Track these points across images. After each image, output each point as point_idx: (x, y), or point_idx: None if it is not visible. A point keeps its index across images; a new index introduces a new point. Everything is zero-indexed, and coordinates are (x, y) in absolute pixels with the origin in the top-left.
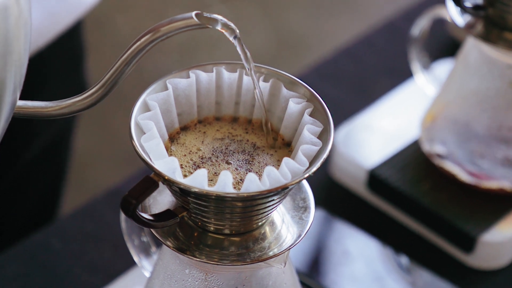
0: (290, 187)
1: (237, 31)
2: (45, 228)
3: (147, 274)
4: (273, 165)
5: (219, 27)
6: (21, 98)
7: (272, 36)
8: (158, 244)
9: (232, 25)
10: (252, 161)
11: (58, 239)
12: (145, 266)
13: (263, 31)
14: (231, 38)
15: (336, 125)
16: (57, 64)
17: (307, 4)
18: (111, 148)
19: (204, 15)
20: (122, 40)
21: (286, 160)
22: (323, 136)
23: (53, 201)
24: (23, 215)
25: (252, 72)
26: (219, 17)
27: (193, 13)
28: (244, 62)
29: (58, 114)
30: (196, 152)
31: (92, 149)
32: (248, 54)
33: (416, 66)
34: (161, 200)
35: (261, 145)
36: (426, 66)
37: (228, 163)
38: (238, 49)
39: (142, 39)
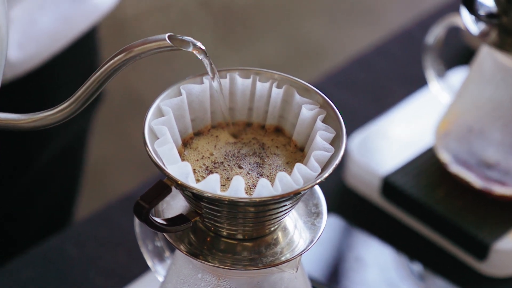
0: (302, 192)
1: (207, 53)
2: (60, 233)
3: (161, 279)
4: (284, 168)
5: (190, 49)
6: (35, 103)
7: (290, 44)
8: (172, 249)
9: (203, 47)
10: (262, 164)
11: (73, 244)
12: (158, 271)
13: (281, 38)
14: (200, 58)
15: (351, 132)
16: (72, 69)
17: (325, 13)
18: (128, 154)
19: (177, 37)
20: None
21: (298, 165)
22: (335, 142)
23: (68, 206)
24: (38, 219)
25: (217, 83)
26: (191, 39)
27: (166, 35)
28: (210, 78)
29: (30, 127)
30: (209, 157)
31: (108, 155)
32: (217, 74)
33: (430, 74)
34: (174, 205)
35: (270, 144)
36: (440, 74)
37: (240, 167)
38: (208, 69)
39: (115, 59)
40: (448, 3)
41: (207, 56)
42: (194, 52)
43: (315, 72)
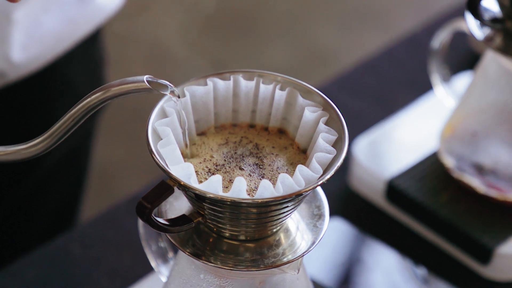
0: (304, 194)
1: (181, 98)
2: (65, 234)
3: (164, 279)
4: (287, 169)
5: (167, 92)
6: (39, 104)
7: (300, 49)
8: (175, 250)
9: (177, 92)
10: (262, 165)
11: (78, 245)
12: (162, 271)
13: (291, 43)
14: (176, 102)
15: (356, 135)
16: (76, 71)
17: (335, 18)
18: (136, 157)
19: (155, 80)
20: (144, 50)
21: (300, 167)
22: (337, 144)
23: (73, 207)
24: (44, 220)
25: (186, 134)
26: (168, 83)
27: (145, 77)
28: (180, 122)
29: (2, 160)
30: (210, 159)
31: (116, 157)
32: (185, 120)
33: (436, 79)
34: (177, 206)
35: (264, 144)
36: (446, 79)
37: (241, 169)
38: (180, 113)
39: (92, 97)
40: (455, 8)
41: (179, 100)
42: (169, 95)
43: (325, 78)
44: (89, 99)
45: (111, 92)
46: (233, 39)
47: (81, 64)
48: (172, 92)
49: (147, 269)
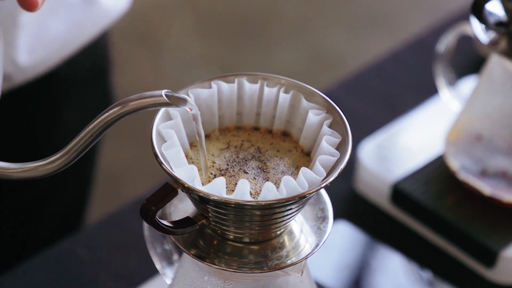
0: (308, 196)
1: (198, 113)
2: (71, 236)
3: (169, 281)
4: (292, 172)
5: (186, 107)
6: (45, 107)
7: (309, 53)
8: (180, 252)
9: (195, 108)
10: (266, 168)
11: (84, 247)
12: (167, 273)
13: (300, 48)
14: (192, 114)
15: (362, 139)
16: (82, 74)
17: (344, 23)
18: (144, 160)
19: (173, 94)
20: (151, 53)
21: (303, 170)
22: (341, 147)
23: (79, 210)
24: (50, 223)
25: (204, 146)
26: (187, 97)
27: (163, 92)
28: (197, 137)
29: (19, 177)
30: (212, 165)
31: (125, 160)
32: (202, 134)
33: (441, 82)
34: (182, 208)
35: (267, 148)
36: (451, 82)
37: (245, 172)
38: (195, 128)
39: (109, 112)
40: (461, 12)
41: (198, 116)
42: (187, 109)
43: (333, 82)
44: (106, 114)
45: (128, 107)
46: (241, 43)
47: (87, 68)
48: (190, 106)
49: (153, 271)
